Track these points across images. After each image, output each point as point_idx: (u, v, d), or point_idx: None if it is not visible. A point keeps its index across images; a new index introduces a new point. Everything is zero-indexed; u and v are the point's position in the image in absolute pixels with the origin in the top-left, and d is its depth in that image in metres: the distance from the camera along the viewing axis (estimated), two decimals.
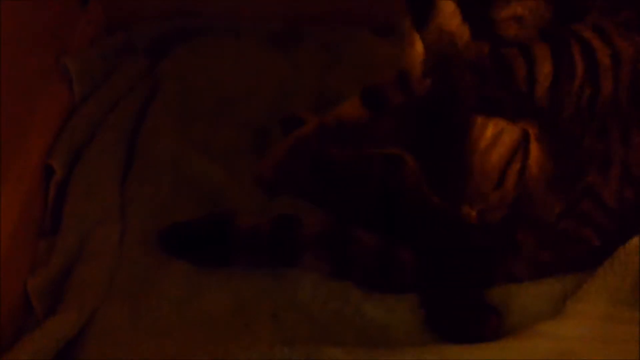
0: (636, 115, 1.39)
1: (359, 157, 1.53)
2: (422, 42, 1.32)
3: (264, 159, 1.64)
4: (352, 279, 1.43)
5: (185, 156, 1.66)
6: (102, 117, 1.73)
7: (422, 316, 1.40)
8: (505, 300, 1.40)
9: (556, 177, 1.37)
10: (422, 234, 1.44)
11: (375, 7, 1.93)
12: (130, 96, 1.80)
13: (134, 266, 1.48)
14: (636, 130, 1.39)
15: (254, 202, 1.58)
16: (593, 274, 1.39)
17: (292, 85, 1.84)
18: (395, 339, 1.38)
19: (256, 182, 1.61)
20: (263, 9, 2.01)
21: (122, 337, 1.38)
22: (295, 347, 1.30)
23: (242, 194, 1.60)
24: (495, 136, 1.34)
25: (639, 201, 1.41)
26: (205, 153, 1.68)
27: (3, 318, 1.37)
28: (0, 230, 1.39)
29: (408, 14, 1.38)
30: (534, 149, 1.36)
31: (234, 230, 1.45)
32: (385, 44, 1.90)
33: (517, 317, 1.39)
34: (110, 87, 1.80)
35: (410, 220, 1.45)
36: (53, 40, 1.73)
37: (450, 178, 1.32)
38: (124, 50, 1.95)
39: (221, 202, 1.58)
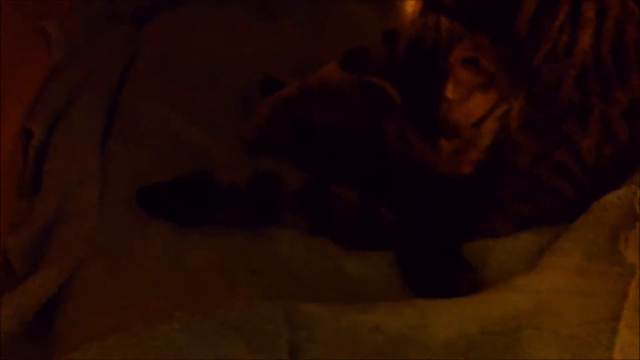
0: (618, 72, 1.41)
1: (343, 113, 1.55)
2: None
3: (248, 119, 1.64)
4: (331, 236, 1.45)
5: (167, 117, 1.67)
6: (83, 80, 1.72)
7: (400, 272, 1.41)
8: (482, 254, 1.42)
9: (532, 120, 1.38)
10: (403, 190, 1.45)
11: None
12: (112, 59, 1.80)
13: (115, 225, 1.49)
14: (617, 86, 1.41)
15: (237, 163, 1.59)
16: (569, 227, 1.41)
17: (277, 53, 1.84)
18: (374, 293, 1.39)
19: (240, 142, 1.62)
20: None
21: (103, 295, 1.39)
22: (274, 302, 1.30)
23: (226, 155, 1.61)
24: (485, 83, 1.34)
25: (617, 159, 1.42)
26: (188, 115, 1.68)
27: None
28: None
29: None
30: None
31: (214, 188, 1.47)
32: (371, 11, 1.90)
33: (494, 272, 1.41)
34: (91, 52, 1.79)
35: (392, 177, 1.46)
36: (33, 5, 1.72)
37: (432, 107, 1.32)
38: (108, 17, 1.94)
39: (204, 162, 1.59)
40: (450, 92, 1.35)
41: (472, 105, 1.34)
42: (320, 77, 1.62)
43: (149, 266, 1.42)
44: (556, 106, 1.39)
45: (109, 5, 1.95)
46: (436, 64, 1.34)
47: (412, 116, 1.35)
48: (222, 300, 1.34)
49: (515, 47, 1.36)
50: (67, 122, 1.63)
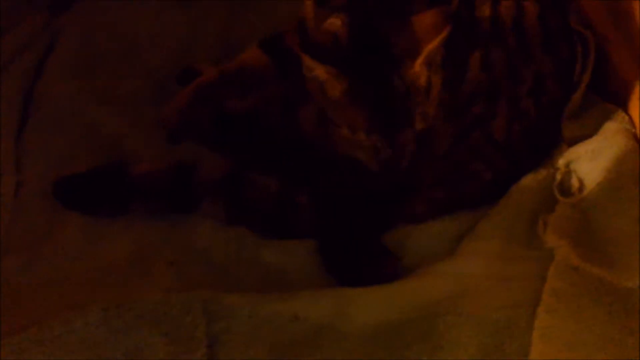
0: (520, 49, 1.41)
1: (260, 99, 1.55)
2: None
3: (168, 105, 1.61)
4: (250, 226, 1.43)
5: (84, 106, 1.64)
6: None
7: (320, 260, 1.41)
8: (402, 240, 1.42)
9: (446, 104, 1.38)
10: (321, 178, 1.44)
11: None
12: (28, 49, 1.76)
13: (31, 218, 1.47)
14: (522, 64, 1.41)
15: (155, 151, 1.57)
16: (488, 212, 1.41)
17: (195, 37, 1.81)
18: (293, 282, 1.38)
19: (160, 128, 1.59)
20: None
21: (18, 288, 1.36)
22: (192, 293, 1.29)
23: (144, 143, 1.58)
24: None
25: (527, 136, 1.43)
26: (106, 103, 1.66)
27: None
28: None
29: None
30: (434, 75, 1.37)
31: (130, 179, 1.45)
32: None
33: (414, 257, 1.40)
34: (8, 42, 1.76)
35: (310, 165, 1.45)
36: None
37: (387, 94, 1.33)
38: (24, 6, 1.90)
39: (122, 151, 1.56)
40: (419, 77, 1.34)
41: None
42: (239, 62, 1.60)
43: (65, 259, 1.40)
44: (466, 89, 1.39)
45: None
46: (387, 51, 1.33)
47: (367, 107, 1.34)
48: (139, 292, 1.31)
49: None
50: None
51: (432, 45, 1.31)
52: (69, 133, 1.60)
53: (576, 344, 1.24)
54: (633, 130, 1.46)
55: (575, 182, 1.43)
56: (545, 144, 1.47)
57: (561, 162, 1.45)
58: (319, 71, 1.32)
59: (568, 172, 1.44)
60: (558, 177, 1.43)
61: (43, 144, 1.58)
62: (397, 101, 1.33)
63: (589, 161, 1.43)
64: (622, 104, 1.50)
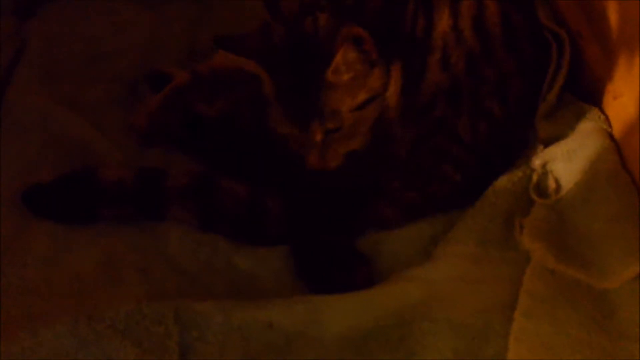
0: (482, 49, 1.41)
1: (230, 103, 1.54)
2: None
3: (139, 109, 1.60)
4: (221, 231, 1.42)
5: (53, 113, 1.61)
6: None
7: (292, 266, 1.39)
8: (376, 246, 1.41)
9: (405, 108, 1.37)
10: (291, 182, 1.43)
11: None
12: None
13: None
14: (484, 63, 1.40)
15: (124, 156, 1.55)
16: (463, 215, 1.40)
17: (162, 40, 1.80)
18: (265, 289, 1.38)
19: (130, 132, 1.58)
20: None
21: None
22: (164, 302, 1.27)
23: (113, 149, 1.56)
24: (366, 70, 1.36)
25: (494, 135, 1.42)
26: (75, 109, 1.63)
27: None
28: None
29: None
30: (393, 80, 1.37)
31: (98, 185, 1.43)
32: None
33: (388, 263, 1.39)
34: None
35: (279, 169, 1.44)
36: None
37: (310, 90, 1.34)
38: None
39: (91, 157, 1.54)
40: (331, 74, 1.33)
41: (352, 90, 1.34)
42: (212, 65, 1.60)
43: (33, 267, 1.37)
44: (425, 92, 1.38)
45: None
46: (317, 48, 1.34)
47: (287, 102, 1.35)
48: (109, 301, 1.30)
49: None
50: None
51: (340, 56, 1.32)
52: (37, 139, 1.57)
53: (553, 347, 1.24)
54: (609, 129, 1.46)
55: (551, 183, 1.42)
56: (515, 143, 1.46)
57: (537, 162, 1.43)
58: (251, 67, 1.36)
59: (544, 173, 1.43)
60: (534, 178, 1.42)
61: (10, 151, 1.55)
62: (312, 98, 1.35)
63: (566, 162, 1.42)
64: (597, 102, 1.49)
